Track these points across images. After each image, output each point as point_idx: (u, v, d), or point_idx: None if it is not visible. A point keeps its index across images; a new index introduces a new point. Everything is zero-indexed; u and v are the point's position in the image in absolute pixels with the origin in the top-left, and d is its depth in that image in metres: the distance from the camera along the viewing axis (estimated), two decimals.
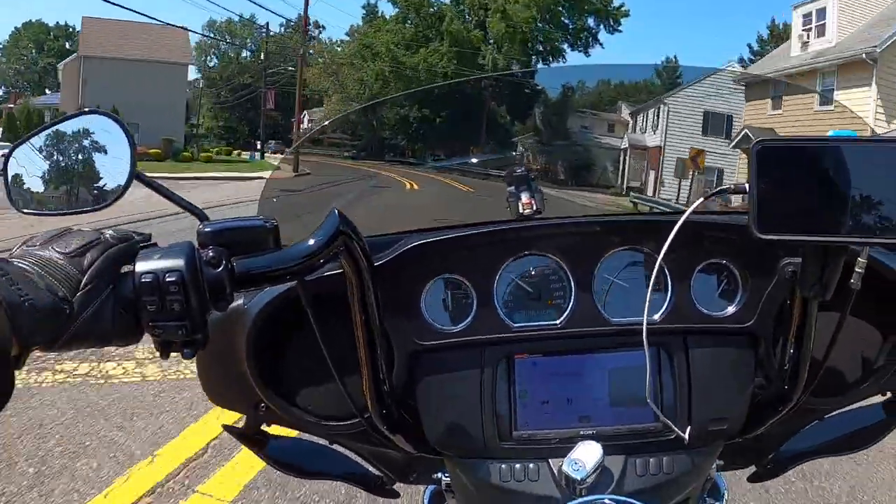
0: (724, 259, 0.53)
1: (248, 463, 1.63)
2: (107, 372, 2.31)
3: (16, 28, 45.65)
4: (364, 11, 29.69)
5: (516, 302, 0.53)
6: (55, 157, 0.42)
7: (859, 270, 0.41)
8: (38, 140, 0.42)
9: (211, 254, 0.35)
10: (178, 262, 0.33)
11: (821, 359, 0.48)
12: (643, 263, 0.53)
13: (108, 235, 0.35)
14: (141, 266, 0.33)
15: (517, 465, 0.50)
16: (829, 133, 0.41)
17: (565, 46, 27.64)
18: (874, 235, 0.36)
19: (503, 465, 0.50)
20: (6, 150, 0.42)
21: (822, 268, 0.40)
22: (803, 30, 14.62)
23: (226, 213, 0.43)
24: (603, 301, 0.53)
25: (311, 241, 0.37)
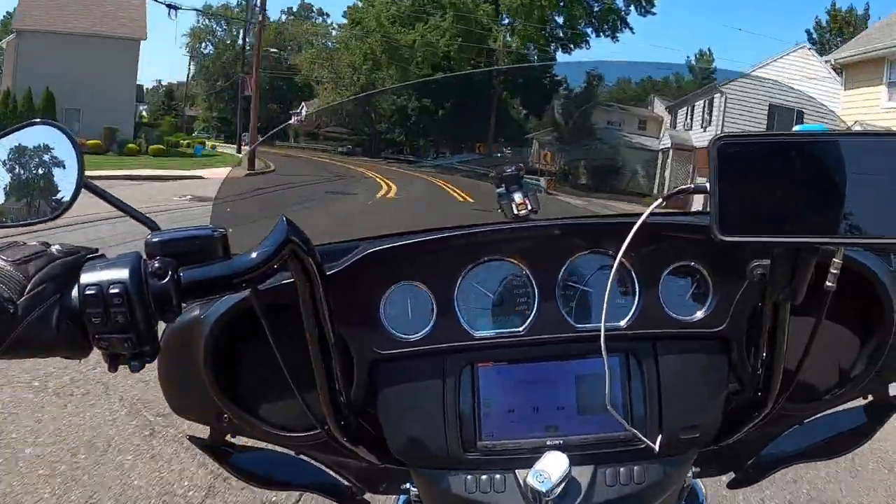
0: (692, 261, 0.55)
1: None
2: None
3: None
4: None
5: (478, 309, 0.55)
6: (4, 168, 0.45)
7: (834, 271, 0.42)
8: None
9: (157, 265, 0.37)
10: (122, 274, 0.35)
11: (796, 364, 0.49)
12: (609, 267, 0.55)
13: (54, 249, 0.38)
14: (85, 278, 0.35)
15: (483, 477, 0.52)
16: (796, 128, 0.42)
17: (589, 31, 26.16)
18: (844, 236, 0.36)
19: (468, 476, 0.52)
20: None
21: (793, 270, 0.40)
22: None
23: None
24: (568, 307, 0.55)
25: (258, 251, 0.39)
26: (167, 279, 0.37)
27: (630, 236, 0.44)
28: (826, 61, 13.51)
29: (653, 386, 0.53)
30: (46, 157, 0.45)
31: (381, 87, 26.08)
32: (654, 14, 26.79)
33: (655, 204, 0.44)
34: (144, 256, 0.38)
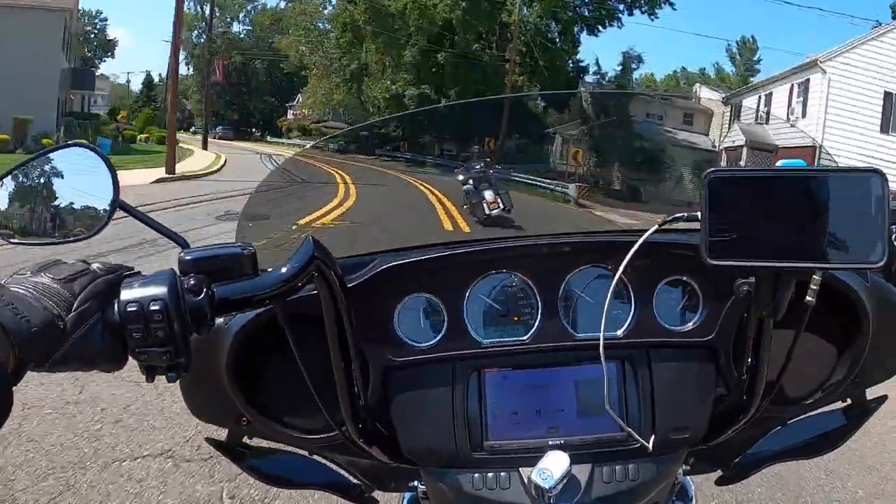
0: (684, 276, 0.65)
1: None
2: None
3: None
4: None
5: (486, 319, 0.65)
6: (40, 188, 0.51)
7: (814, 287, 0.49)
8: (22, 171, 0.51)
9: (192, 282, 0.43)
10: (161, 291, 0.41)
11: (778, 370, 0.58)
12: (608, 279, 0.64)
13: (95, 267, 0.44)
14: (126, 295, 0.41)
15: (489, 474, 0.61)
16: (779, 163, 0.54)
17: (621, 7, 23.37)
18: (820, 261, 0.45)
19: (476, 475, 0.61)
20: None
21: (774, 289, 0.49)
22: None
23: None
24: (568, 317, 0.65)
25: (286, 268, 0.46)
26: (202, 296, 0.42)
27: (628, 257, 0.53)
28: None
29: (646, 390, 0.62)
30: (82, 179, 0.50)
31: (367, 66, 23.39)
32: None
33: (652, 230, 0.53)
34: (178, 273, 0.43)
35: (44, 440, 2.08)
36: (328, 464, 0.75)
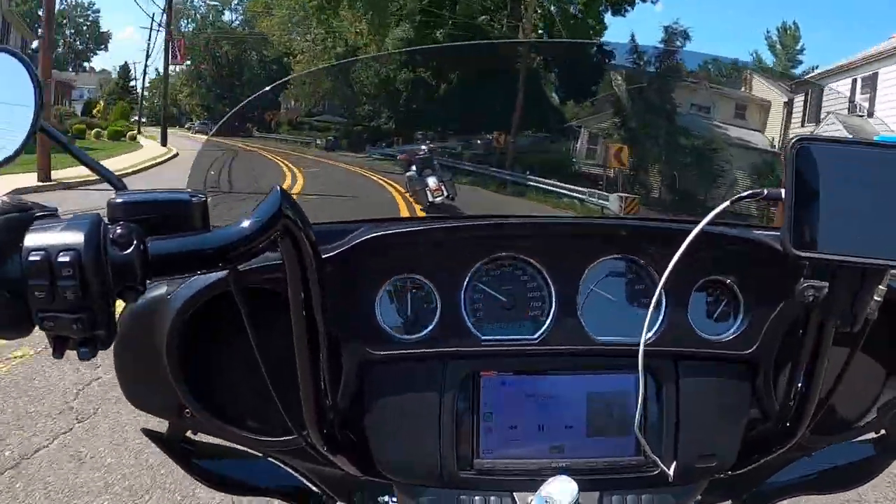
0: (728, 277, 0.60)
1: None
2: None
3: None
4: None
5: (487, 311, 0.60)
6: None
7: (878, 299, 0.46)
8: None
9: (119, 231, 0.36)
10: (76, 239, 0.34)
11: (826, 394, 0.55)
12: (634, 274, 0.61)
13: None
14: (31, 241, 0.34)
15: (477, 498, 0.57)
16: (876, 138, 0.50)
17: None
18: None
19: (462, 496, 0.57)
20: None
21: (855, 292, 0.45)
22: None
23: None
24: (586, 316, 0.59)
25: (246, 224, 0.40)
26: (131, 249, 0.36)
27: (683, 248, 0.48)
28: None
29: (671, 408, 0.58)
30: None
31: (340, 46, 21.24)
32: None
33: (717, 210, 0.48)
34: (106, 220, 0.37)
35: None
36: (286, 468, 0.70)
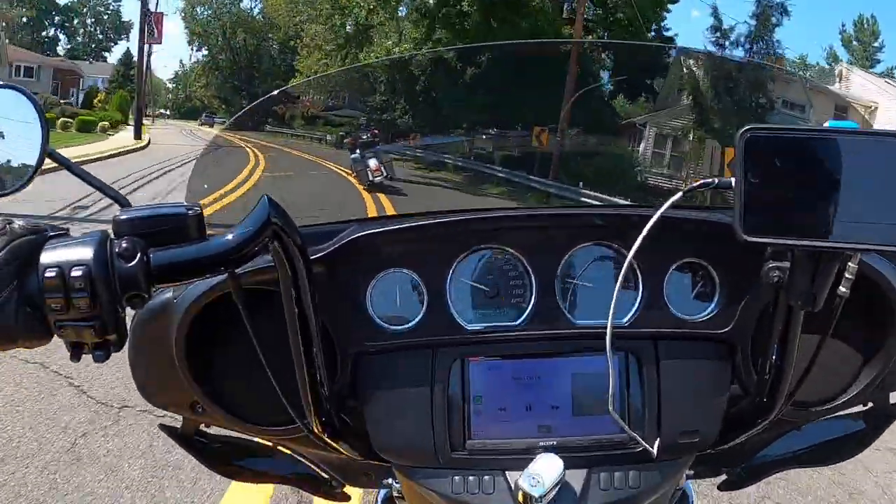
0: (701, 258, 0.69)
1: None
2: None
3: None
4: None
5: (471, 300, 0.68)
6: None
7: (849, 277, 0.50)
8: None
9: (124, 245, 0.44)
10: (85, 254, 0.42)
11: (803, 369, 0.61)
12: (612, 260, 0.69)
13: (16, 226, 0.45)
14: (46, 258, 0.43)
15: (471, 478, 0.65)
16: (827, 124, 0.48)
17: None
18: (875, 241, 0.45)
19: (456, 477, 0.65)
20: None
21: (813, 275, 0.50)
22: None
23: None
24: (566, 301, 0.68)
25: (237, 233, 0.48)
26: (135, 261, 0.43)
27: (644, 232, 0.54)
28: None
29: (653, 387, 0.65)
30: (5, 125, 0.52)
31: (368, 30, 18.85)
32: None
33: (674, 198, 0.53)
34: (112, 236, 0.45)
35: None
36: (295, 455, 0.81)
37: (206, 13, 50.85)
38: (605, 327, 0.58)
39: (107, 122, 23.83)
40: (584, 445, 0.64)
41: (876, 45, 34.65)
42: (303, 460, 0.82)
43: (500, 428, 0.65)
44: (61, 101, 29.43)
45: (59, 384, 2.69)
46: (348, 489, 0.88)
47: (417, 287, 0.68)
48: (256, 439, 0.78)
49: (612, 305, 0.56)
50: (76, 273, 0.41)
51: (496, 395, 0.65)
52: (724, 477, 0.85)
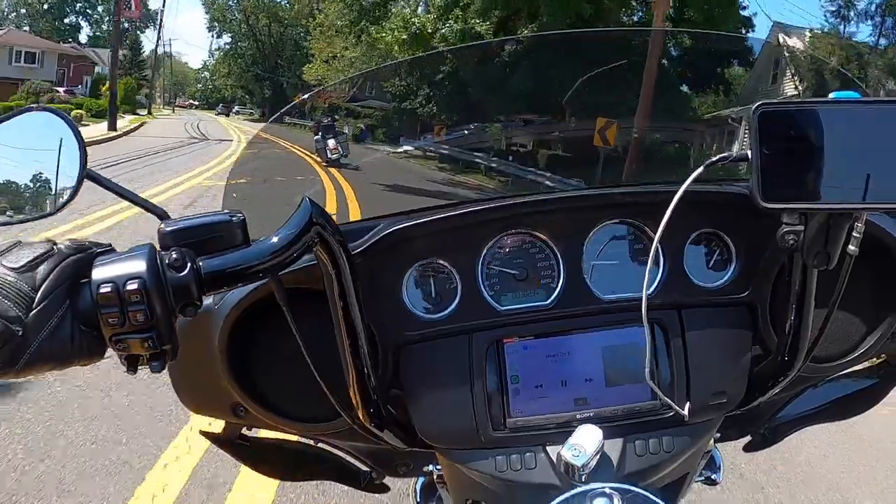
0: (716, 229, 0.77)
1: None
2: None
3: None
4: None
5: (502, 284, 0.76)
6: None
7: (857, 235, 0.58)
8: None
9: (174, 255, 0.48)
10: (139, 268, 0.45)
11: (820, 326, 0.67)
12: (633, 237, 0.77)
13: (62, 246, 0.48)
14: (98, 275, 0.46)
15: (513, 455, 0.71)
16: (832, 95, 0.56)
17: None
18: (881, 200, 0.53)
19: (499, 456, 0.72)
20: None
21: (825, 236, 0.57)
22: None
23: None
24: (592, 278, 0.76)
25: (282, 235, 0.52)
26: (186, 270, 0.47)
27: (670, 210, 0.60)
28: None
29: (680, 354, 0.73)
30: (45, 147, 0.56)
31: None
32: None
33: (695, 174, 0.60)
34: (158, 248, 0.48)
35: None
36: (335, 451, 0.90)
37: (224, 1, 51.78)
38: (631, 301, 0.68)
39: (80, 111, 23.29)
40: (618, 414, 0.71)
41: None
42: (343, 455, 0.90)
43: (538, 404, 0.72)
44: (55, 89, 29.30)
45: None
46: (387, 480, 0.97)
47: (450, 275, 0.75)
48: (295, 439, 0.84)
49: (647, 278, 0.63)
50: (131, 286, 0.44)
51: (532, 374, 0.72)
52: (748, 439, 0.94)
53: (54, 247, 0.47)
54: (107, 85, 37.27)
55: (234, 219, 0.50)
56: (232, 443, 0.84)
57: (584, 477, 0.65)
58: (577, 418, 0.71)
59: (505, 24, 15.91)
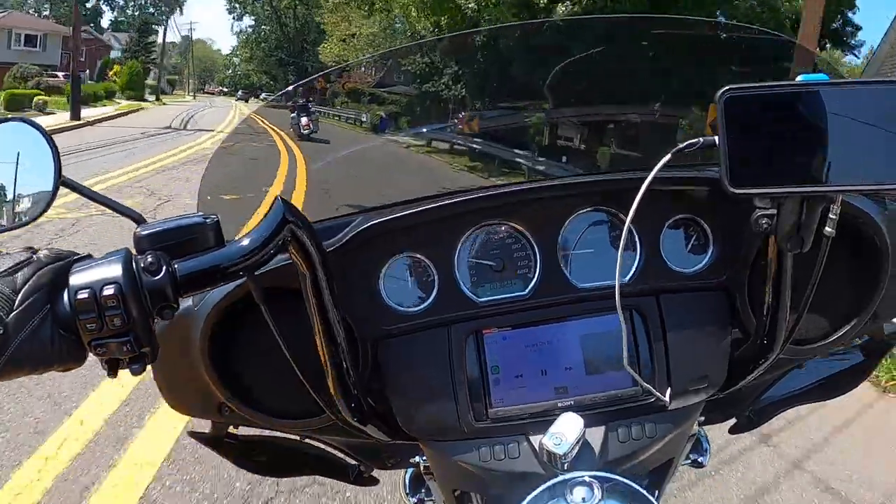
0: (692, 214, 0.78)
1: None
2: None
3: None
4: None
5: (480, 275, 0.78)
6: None
7: (833, 217, 0.58)
8: None
9: (149, 259, 0.49)
10: (114, 272, 0.47)
11: (799, 309, 0.68)
12: (608, 224, 0.78)
13: (41, 255, 0.50)
14: (75, 281, 0.48)
15: (496, 445, 0.73)
16: (799, 78, 0.56)
17: None
18: (852, 183, 0.54)
19: (483, 447, 0.74)
20: None
21: (798, 219, 0.58)
22: None
23: None
24: (569, 267, 0.78)
25: (255, 236, 0.53)
26: (162, 274, 0.49)
27: (639, 196, 0.61)
28: None
29: (659, 340, 0.75)
30: (18, 156, 0.59)
31: None
32: None
33: (663, 161, 0.60)
34: (134, 252, 0.50)
35: None
36: (323, 447, 0.92)
37: None
38: (608, 289, 0.69)
39: (43, 97, 21.70)
40: (599, 402, 0.73)
41: None
42: (331, 450, 0.93)
43: (519, 394, 0.74)
44: (46, 73, 27.84)
45: None
46: (376, 473, 1.00)
47: (427, 268, 0.77)
48: (283, 435, 0.87)
49: (619, 266, 0.63)
50: (108, 291, 0.46)
51: (512, 364, 0.74)
52: (733, 421, 0.97)
53: (33, 255, 0.49)
54: (115, 69, 37.47)
55: (207, 220, 0.53)
56: (219, 442, 0.87)
57: (566, 465, 0.67)
58: (557, 407, 0.72)
59: None
